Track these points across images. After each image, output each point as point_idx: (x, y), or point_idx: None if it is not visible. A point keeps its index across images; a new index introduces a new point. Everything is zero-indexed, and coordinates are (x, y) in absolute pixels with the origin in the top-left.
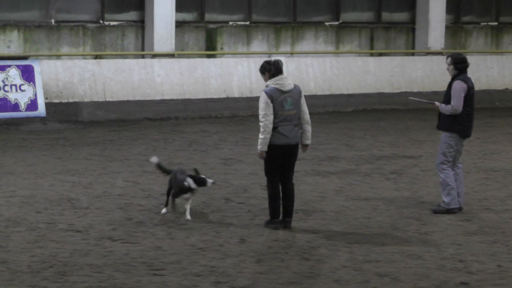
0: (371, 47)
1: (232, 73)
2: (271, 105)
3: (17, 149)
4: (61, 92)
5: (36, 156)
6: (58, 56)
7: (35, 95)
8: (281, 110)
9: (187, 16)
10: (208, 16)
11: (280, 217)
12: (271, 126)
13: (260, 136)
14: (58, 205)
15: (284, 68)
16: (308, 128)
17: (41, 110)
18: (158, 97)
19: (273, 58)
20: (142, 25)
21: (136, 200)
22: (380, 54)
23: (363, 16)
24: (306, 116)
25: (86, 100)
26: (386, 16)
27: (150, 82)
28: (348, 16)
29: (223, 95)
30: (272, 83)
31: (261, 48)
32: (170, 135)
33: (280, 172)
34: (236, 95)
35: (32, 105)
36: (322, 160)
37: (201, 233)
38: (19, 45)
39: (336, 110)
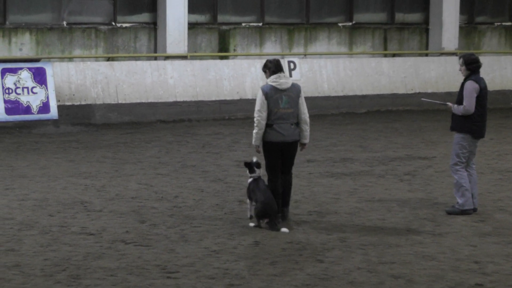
0: (385, 48)
1: (245, 74)
2: (265, 102)
3: (30, 152)
4: (74, 95)
5: (49, 159)
6: (70, 59)
7: (47, 97)
8: (276, 107)
9: (200, 18)
10: (220, 18)
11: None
12: (263, 122)
13: (253, 131)
14: (71, 208)
15: (297, 69)
16: (306, 127)
17: (54, 112)
18: (171, 99)
19: (288, 58)
20: (154, 27)
21: (149, 203)
22: (394, 55)
23: (376, 17)
24: (304, 116)
25: (98, 102)
26: (399, 16)
27: (162, 84)
28: (361, 17)
29: (236, 97)
30: (270, 80)
31: (274, 49)
32: (183, 137)
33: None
34: (249, 96)
35: (44, 107)
36: (335, 161)
37: (215, 235)
38: (31, 48)
39: (350, 111)
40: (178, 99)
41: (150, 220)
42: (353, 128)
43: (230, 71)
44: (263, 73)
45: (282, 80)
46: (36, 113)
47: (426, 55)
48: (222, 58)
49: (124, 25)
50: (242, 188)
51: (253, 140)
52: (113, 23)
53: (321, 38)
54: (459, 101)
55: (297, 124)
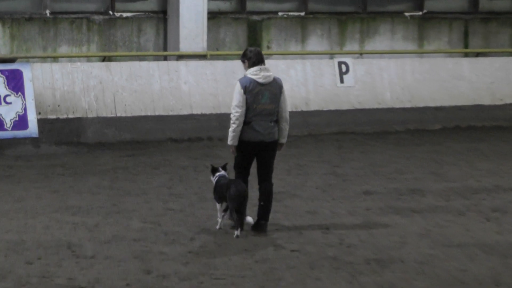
0: (465, 45)
1: (282, 79)
2: (244, 96)
3: (2, 179)
4: (59, 105)
5: (27, 189)
6: (55, 58)
7: (25, 109)
8: (256, 103)
9: (224, 5)
10: (250, 5)
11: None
12: (241, 119)
13: (230, 129)
14: (55, 254)
15: (351, 73)
16: (286, 126)
17: (33, 128)
18: (185, 111)
19: (338, 58)
20: (164, 17)
21: (156, 247)
22: (477, 54)
23: (454, 4)
24: (285, 113)
25: (91, 115)
26: (484, 4)
27: (174, 91)
28: (435, 4)
29: None
30: (249, 73)
31: (320, 46)
32: (201, 161)
33: (257, 172)
34: (288, 107)
35: (21, 122)
36: (401, 193)
37: None
38: (4, 44)
39: (420, 127)
40: (195, 111)
41: (158, 269)
42: (424, 149)
43: None
44: (305, 77)
45: (263, 73)
46: (10, 129)
47: None
48: None
49: (125, 14)
50: (279, 229)
51: (229, 139)
52: (111, 12)
53: (382, 32)
54: None
55: (276, 121)
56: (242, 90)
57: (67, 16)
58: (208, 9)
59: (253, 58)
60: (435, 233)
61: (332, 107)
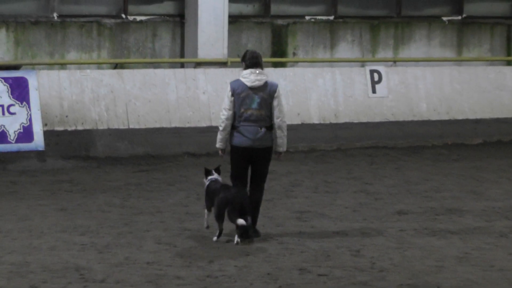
0: (508, 52)
1: (309, 88)
2: (232, 99)
3: (5, 196)
4: (67, 116)
5: (31, 206)
6: (63, 65)
7: (30, 120)
8: (244, 107)
9: (246, 8)
10: (275, 8)
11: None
12: (228, 122)
13: (218, 132)
14: (61, 277)
15: (384, 82)
16: (280, 134)
17: (38, 141)
18: (204, 123)
19: (370, 66)
20: (181, 21)
21: (172, 270)
22: None
23: (496, 8)
24: (278, 120)
25: (101, 127)
26: None
27: (192, 101)
28: (475, 8)
29: (297, 120)
30: (241, 76)
31: (351, 53)
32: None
33: (249, 178)
34: (315, 120)
35: (26, 134)
36: (438, 213)
37: None
38: (7, 50)
39: (459, 142)
40: (214, 123)
41: None
42: (463, 166)
43: (288, 83)
44: (334, 86)
45: (253, 77)
46: (14, 141)
47: None
48: (276, 65)
49: (138, 18)
50: (305, 251)
51: (217, 141)
52: (123, 16)
53: (418, 38)
54: None
55: (269, 128)
56: (230, 93)
57: (76, 19)
58: (229, 12)
59: (247, 61)
60: (474, 257)
61: (364, 119)
